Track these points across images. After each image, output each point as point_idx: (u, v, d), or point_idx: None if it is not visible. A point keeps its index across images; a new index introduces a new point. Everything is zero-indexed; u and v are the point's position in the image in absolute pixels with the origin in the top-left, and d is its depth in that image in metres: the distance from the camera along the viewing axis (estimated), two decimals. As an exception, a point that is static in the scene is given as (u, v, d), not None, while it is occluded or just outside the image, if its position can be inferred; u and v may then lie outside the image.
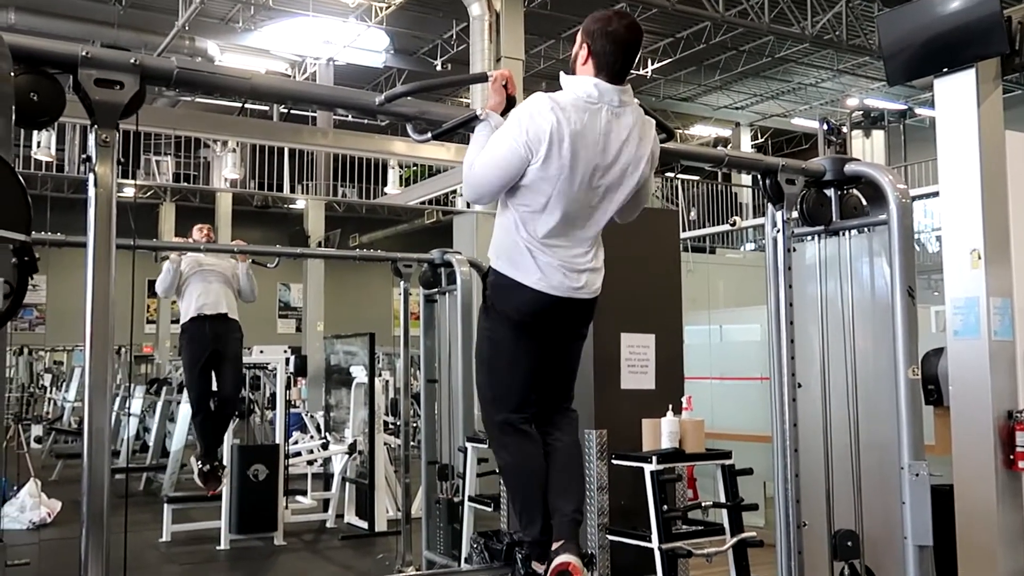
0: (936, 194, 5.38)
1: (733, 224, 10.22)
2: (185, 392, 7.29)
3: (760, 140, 21.97)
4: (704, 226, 15.64)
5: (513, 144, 2.79)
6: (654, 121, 3.00)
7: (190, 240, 6.67)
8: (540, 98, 2.80)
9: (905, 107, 17.05)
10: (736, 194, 17.79)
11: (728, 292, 10.53)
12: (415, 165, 15.17)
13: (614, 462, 4.59)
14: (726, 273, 11.26)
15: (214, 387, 6.60)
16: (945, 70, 5.19)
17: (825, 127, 15.22)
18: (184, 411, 8.82)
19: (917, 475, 3.46)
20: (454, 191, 13.39)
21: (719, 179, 17.73)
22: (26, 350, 18.02)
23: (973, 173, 4.97)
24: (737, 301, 10.12)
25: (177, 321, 7.31)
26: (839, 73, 17.55)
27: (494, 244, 2.97)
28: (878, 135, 15.42)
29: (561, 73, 2.92)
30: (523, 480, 3.01)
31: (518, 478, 3.04)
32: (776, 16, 13.50)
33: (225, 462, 7.00)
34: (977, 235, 4.92)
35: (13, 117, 2.13)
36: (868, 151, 14.94)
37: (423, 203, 14.48)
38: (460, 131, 3.07)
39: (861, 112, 15.79)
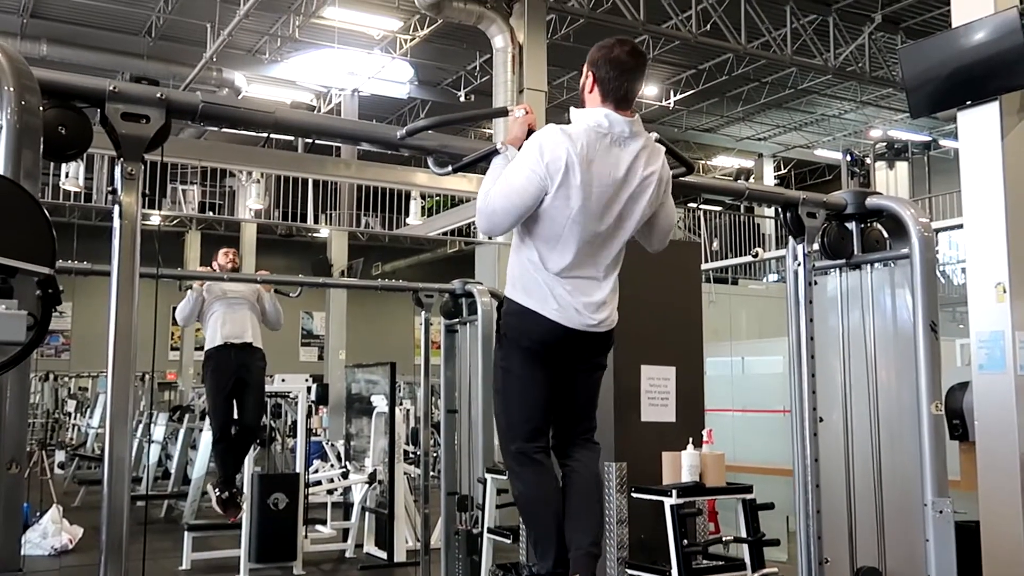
0: (961, 226, 5.35)
1: (755, 256, 10.19)
2: (207, 419, 7.29)
3: (783, 171, 21.92)
4: (727, 257, 15.59)
5: (531, 173, 2.81)
6: (663, 148, 3.02)
7: (215, 264, 6.70)
8: (552, 129, 2.84)
9: (929, 139, 16.99)
10: (759, 225, 17.75)
11: (751, 324, 10.49)
12: (437, 196, 15.26)
13: (634, 495, 4.55)
14: (748, 304, 11.22)
15: (236, 415, 6.62)
16: (969, 103, 5.19)
17: (848, 158, 15.19)
18: (206, 439, 8.85)
19: (941, 512, 3.42)
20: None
21: (742, 210, 17.70)
22: (51, 376, 18.20)
23: (998, 206, 4.95)
24: (760, 333, 10.08)
25: (201, 348, 7.34)
26: (862, 104, 17.52)
27: (510, 275, 2.99)
28: (902, 166, 15.34)
29: (571, 108, 2.98)
30: (538, 511, 2.99)
31: (532, 509, 3.02)
32: (799, 48, 13.51)
33: (245, 491, 7.00)
34: (1002, 268, 4.89)
35: (41, 150, 2.18)
36: (892, 183, 14.85)
37: (445, 233, 14.54)
38: (481, 164, 3.10)
39: (885, 143, 15.73)
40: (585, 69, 2.95)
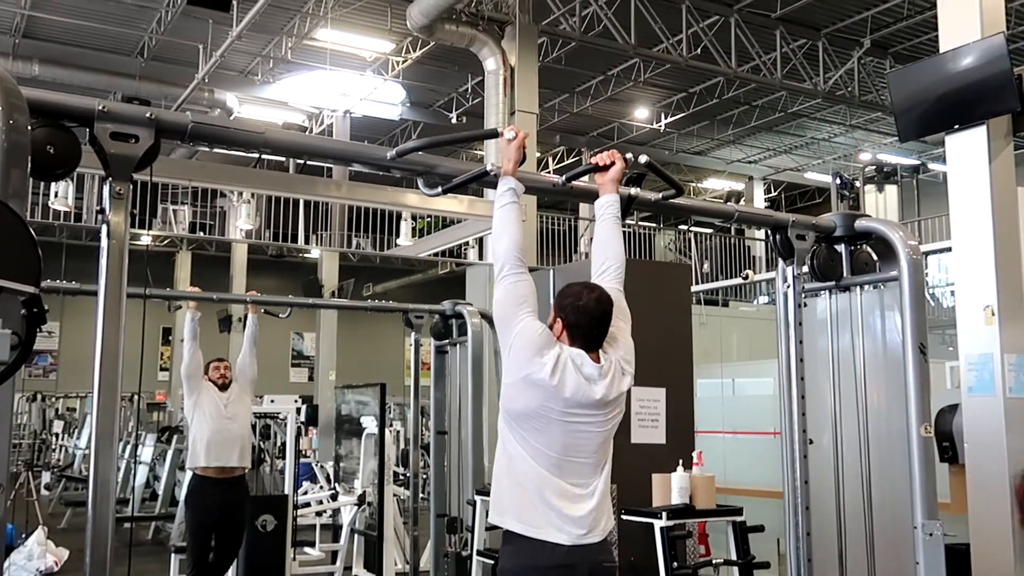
0: (950, 249, 5.37)
1: (745, 278, 10.20)
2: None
3: (773, 194, 22.01)
4: (717, 279, 15.62)
5: (518, 332, 2.77)
6: (630, 374, 2.92)
7: (206, 378, 6.53)
8: (556, 348, 2.77)
9: (918, 162, 17.06)
10: (749, 247, 17.81)
11: (741, 345, 10.49)
12: (428, 216, 15.28)
13: (624, 518, 4.53)
14: (739, 326, 11.24)
15: (214, 543, 6.41)
16: (957, 127, 5.22)
17: (838, 181, 15.24)
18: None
19: (931, 535, 3.41)
20: (466, 243, 13.46)
21: (732, 232, 17.76)
22: (39, 396, 18.08)
23: (986, 229, 4.97)
24: (750, 355, 10.08)
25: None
26: (852, 128, 17.63)
27: (495, 493, 2.87)
28: (891, 190, 15.39)
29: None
30: None
31: None
32: (789, 72, 13.61)
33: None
34: (991, 291, 4.91)
35: (29, 169, 2.17)
36: (881, 206, 14.91)
37: (436, 254, 14.55)
38: (471, 185, 3.10)
39: (874, 167, 15.80)
40: (553, 312, 2.87)
